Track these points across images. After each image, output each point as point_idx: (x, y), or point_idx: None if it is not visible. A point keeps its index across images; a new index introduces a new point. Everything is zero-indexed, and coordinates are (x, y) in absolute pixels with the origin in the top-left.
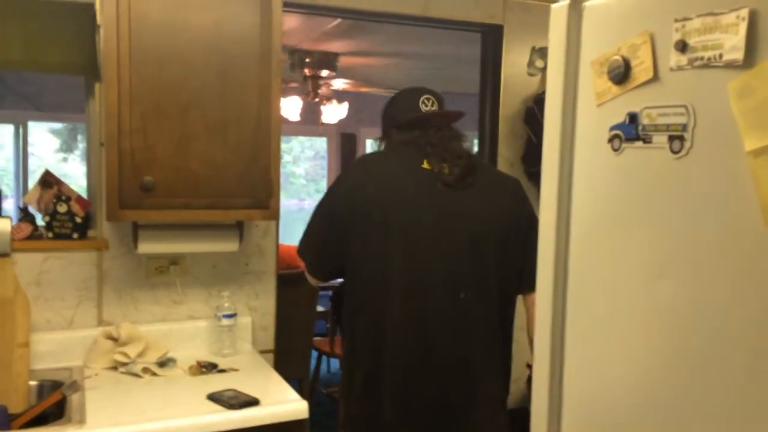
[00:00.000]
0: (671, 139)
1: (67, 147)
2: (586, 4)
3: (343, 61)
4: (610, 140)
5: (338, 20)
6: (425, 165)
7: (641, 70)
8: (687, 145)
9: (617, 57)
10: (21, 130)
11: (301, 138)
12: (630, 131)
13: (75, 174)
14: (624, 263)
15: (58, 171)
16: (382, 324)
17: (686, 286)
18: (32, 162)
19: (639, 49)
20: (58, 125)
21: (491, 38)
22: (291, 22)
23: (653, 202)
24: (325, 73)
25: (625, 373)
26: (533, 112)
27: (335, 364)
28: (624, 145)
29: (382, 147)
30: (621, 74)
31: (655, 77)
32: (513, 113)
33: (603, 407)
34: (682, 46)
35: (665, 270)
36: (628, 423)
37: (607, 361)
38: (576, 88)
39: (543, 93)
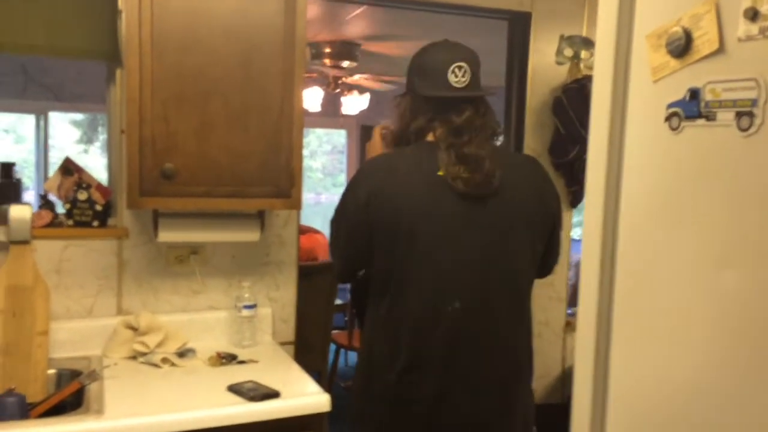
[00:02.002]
0: (739, 115)
1: (88, 138)
2: None
3: (364, 52)
4: (668, 118)
5: (361, 9)
6: (440, 172)
7: (705, 41)
8: (757, 121)
9: (677, 28)
10: (42, 121)
11: (319, 132)
12: (691, 108)
13: (95, 166)
14: (682, 253)
15: (78, 162)
16: (410, 334)
17: (754, 276)
18: (53, 154)
19: (702, 18)
20: (78, 117)
21: (519, 26)
22: (313, 10)
23: (717, 184)
24: (346, 63)
25: (680, 373)
26: (561, 103)
27: (353, 357)
28: (684, 123)
29: (403, 104)
30: (681, 47)
31: (721, 49)
32: (540, 103)
33: (653, 407)
34: (753, 14)
35: (730, 260)
36: (683, 424)
37: (660, 360)
38: (628, 64)
39: (572, 82)
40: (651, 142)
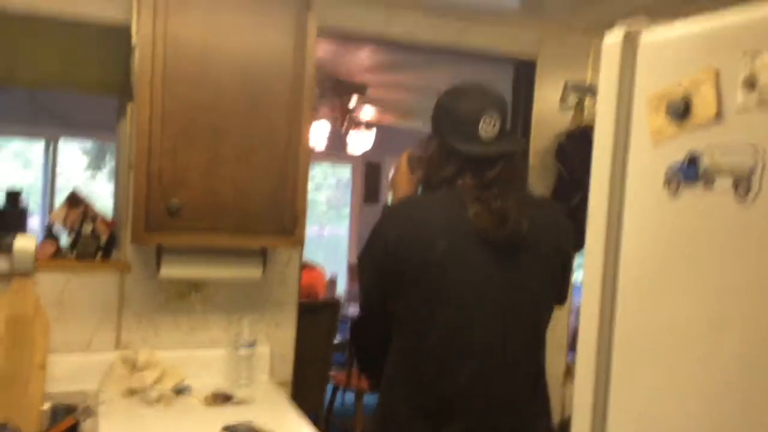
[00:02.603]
0: (736, 182)
1: (95, 165)
2: (642, 39)
3: (371, 93)
4: (667, 182)
5: (368, 51)
6: (471, 216)
7: (704, 107)
8: (754, 189)
9: (677, 93)
10: (51, 148)
11: (324, 165)
12: (690, 173)
13: (102, 193)
14: (680, 316)
15: (85, 189)
16: (433, 378)
17: (750, 342)
18: (60, 180)
19: (702, 85)
20: (87, 144)
21: (524, 72)
22: (321, 48)
23: (714, 249)
24: (353, 101)
25: None
26: (565, 148)
27: (351, 397)
28: (682, 187)
29: (431, 148)
30: (681, 111)
31: (719, 116)
32: (544, 148)
33: None
34: (751, 84)
35: (727, 324)
36: None
37: (658, 419)
38: (629, 126)
39: (575, 129)
40: (650, 204)
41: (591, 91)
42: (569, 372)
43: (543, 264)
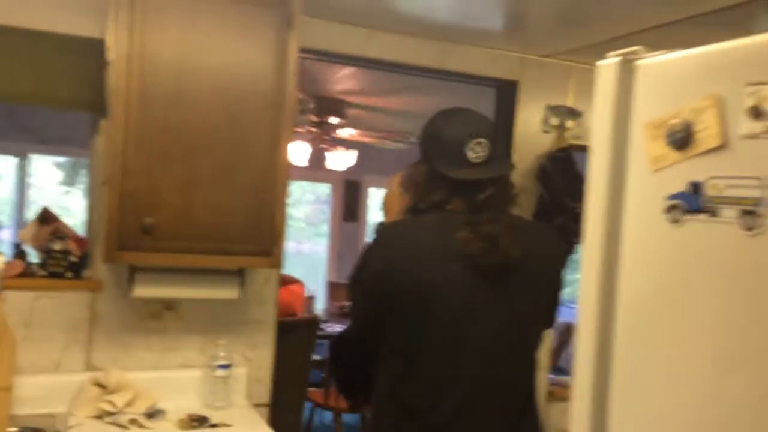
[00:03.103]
0: (743, 213)
1: (70, 181)
2: (640, 62)
3: (352, 113)
4: (668, 210)
5: (349, 70)
6: (459, 242)
7: (706, 136)
8: (762, 221)
9: (677, 120)
10: (23, 162)
11: (302, 182)
12: (693, 202)
13: (76, 208)
14: (682, 354)
15: (59, 204)
16: (422, 404)
17: (759, 383)
18: (34, 194)
19: (704, 113)
20: (61, 159)
21: (506, 94)
22: (301, 68)
23: (721, 282)
24: (333, 120)
25: None
26: (546, 170)
27: (329, 416)
28: (685, 217)
29: (418, 174)
30: (682, 139)
31: (723, 145)
32: (525, 170)
33: None
34: (756, 113)
35: (734, 363)
36: None
37: None
38: (625, 151)
39: (556, 151)
40: (650, 233)
41: (572, 113)
42: (552, 394)
43: (534, 289)
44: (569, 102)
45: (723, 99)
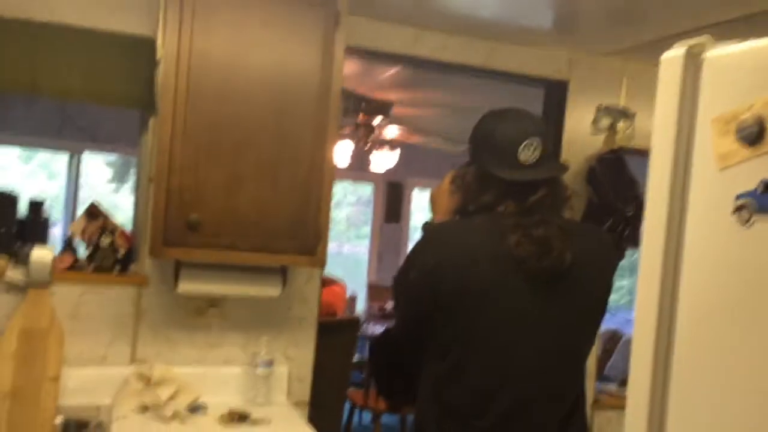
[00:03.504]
0: None
1: (119, 178)
2: (707, 54)
3: (396, 110)
4: (737, 210)
5: (395, 70)
6: (512, 245)
7: None
8: None
9: (749, 115)
10: (75, 160)
11: (345, 183)
12: (764, 201)
13: (125, 206)
14: (748, 365)
15: (108, 202)
16: (467, 408)
17: None
18: (85, 192)
19: None
20: (111, 158)
21: (555, 94)
22: (349, 67)
23: None
24: (378, 120)
25: None
26: (596, 172)
27: (367, 417)
28: (755, 217)
29: (469, 175)
30: (754, 134)
31: None
32: (574, 172)
33: None
34: None
35: None
36: None
37: None
38: (690, 149)
39: (607, 153)
40: (716, 234)
41: (624, 114)
42: (597, 402)
43: (586, 296)
44: (621, 102)
45: None
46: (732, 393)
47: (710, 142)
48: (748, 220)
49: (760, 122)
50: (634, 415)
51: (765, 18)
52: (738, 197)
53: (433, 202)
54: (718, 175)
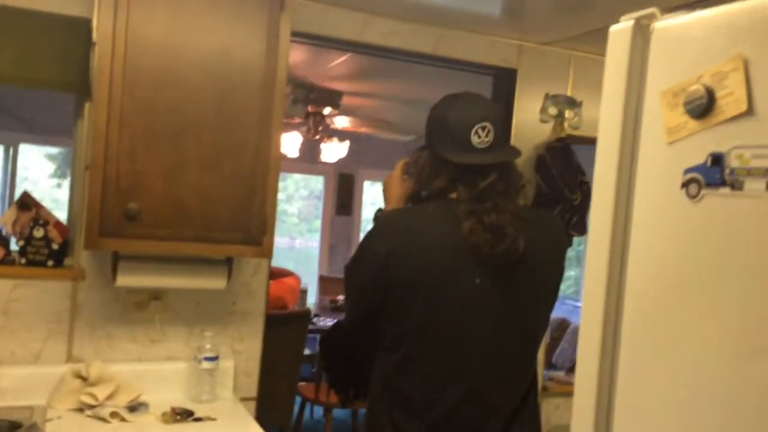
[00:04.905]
0: None
1: (62, 173)
2: (656, 25)
3: (346, 101)
4: (685, 185)
5: (344, 58)
6: (465, 232)
7: (730, 102)
8: None
9: (698, 86)
10: (11, 152)
11: (296, 177)
12: (713, 175)
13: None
14: (698, 342)
15: (50, 196)
16: (422, 397)
17: None
18: (25, 186)
19: (727, 77)
20: (53, 150)
21: (503, 82)
22: (296, 55)
23: (744, 261)
24: (327, 110)
25: None
26: (544, 160)
27: (319, 411)
28: (704, 191)
29: (422, 160)
30: (703, 106)
31: (749, 111)
32: (523, 160)
33: None
34: None
35: (758, 349)
36: None
37: None
38: (638, 122)
39: (555, 141)
40: (664, 208)
41: (571, 103)
42: (545, 390)
43: (539, 282)
44: (568, 91)
45: (749, 61)
46: (680, 372)
47: (659, 116)
48: (696, 195)
49: (709, 93)
50: (582, 400)
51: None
52: (686, 171)
53: (385, 190)
54: (667, 149)
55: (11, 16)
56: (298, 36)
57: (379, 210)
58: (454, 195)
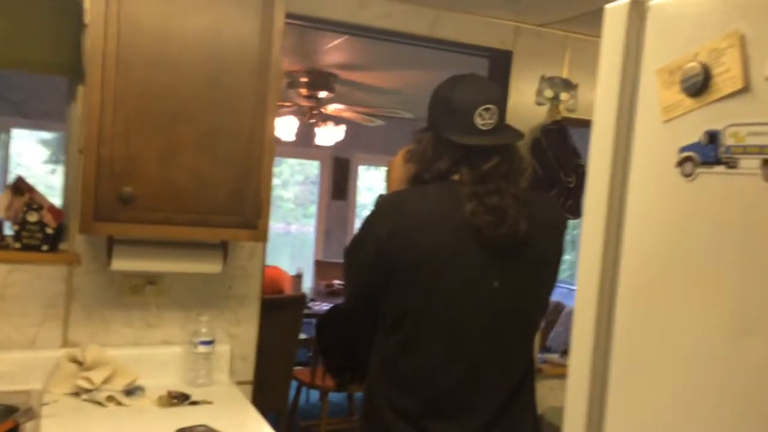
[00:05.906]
0: (766, 164)
1: (56, 158)
2: (652, 2)
3: (342, 82)
4: (680, 163)
5: (340, 39)
6: (467, 214)
7: (726, 79)
8: None
9: (694, 64)
10: (4, 137)
11: (292, 162)
12: (708, 153)
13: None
14: (694, 321)
15: (45, 182)
16: (423, 378)
17: None
18: (19, 173)
19: (723, 54)
20: (47, 136)
21: (499, 64)
22: (291, 39)
23: (738, 239)
24: (323, 94)
25: None
26: (540, 143)
27: (315, 395)
28: (699, 169)
29: (424, 141)
30: (699, 84)
31: (746, 88)
32: (518, 143)
33: None
34: None
35: (752, 326)
36: None
37: None
38: (634, 100)
39: (551, 124)
40: (659, 188)
41: (567, 85)
42: (540, 372)
43: (540, 264)
44: (564, 74)
45: (745, 37)
46: (675, 352)
47: (655, 94)
48: (691, 173)
49: (705, 71)
50: (576, 382)
51: None
52: (682, 150)
53: (389, 174)
54: (663, 127)
55: None
56: (293, 17)
57: (381, 196)
58: (456, 177)
